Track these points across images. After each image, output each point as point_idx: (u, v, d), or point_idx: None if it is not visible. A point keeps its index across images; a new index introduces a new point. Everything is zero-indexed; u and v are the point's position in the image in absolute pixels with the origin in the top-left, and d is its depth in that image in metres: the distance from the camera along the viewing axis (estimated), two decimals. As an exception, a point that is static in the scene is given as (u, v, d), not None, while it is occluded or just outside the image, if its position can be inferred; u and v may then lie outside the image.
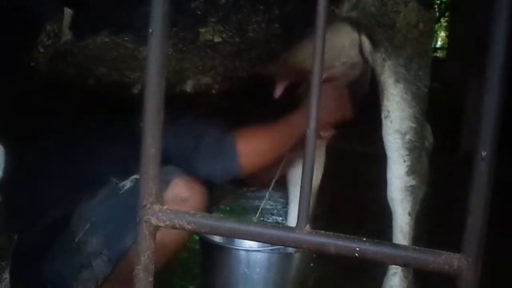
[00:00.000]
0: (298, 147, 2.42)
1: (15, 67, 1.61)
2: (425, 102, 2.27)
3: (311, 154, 0.87)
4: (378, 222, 2.45)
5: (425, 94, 2.26)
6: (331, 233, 0.85)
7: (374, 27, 2.16)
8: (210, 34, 1.85)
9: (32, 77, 1.68)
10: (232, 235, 0.92)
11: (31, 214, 2.22)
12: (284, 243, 0.88)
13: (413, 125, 2.24)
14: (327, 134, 2.50)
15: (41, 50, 1.64)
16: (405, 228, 2.31)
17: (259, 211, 2.87)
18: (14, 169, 1.60)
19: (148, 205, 0.89)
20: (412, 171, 2.27)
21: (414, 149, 2.26)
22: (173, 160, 2.23)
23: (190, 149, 2.26)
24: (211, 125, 2.33)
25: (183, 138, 2.26)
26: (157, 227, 0.90)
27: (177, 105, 1.70)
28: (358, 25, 2.20)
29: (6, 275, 1.70)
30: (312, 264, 2.90)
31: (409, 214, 2.31)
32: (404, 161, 2.27)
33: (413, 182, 2.28)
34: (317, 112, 0.85)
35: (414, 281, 2.32)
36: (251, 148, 2.31)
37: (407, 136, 2.25)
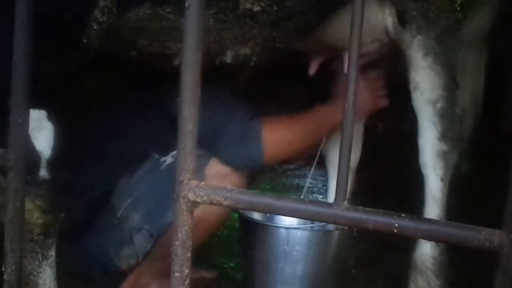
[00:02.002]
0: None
1: (69, 46, 1.61)
2: (454, 69, 2.23)
3: (349, 130, 0.86)
4: (418, 201, 2.42)
5: (455, 62, 2.22)
6: (370, 209, 0.84)
7: (407, 2, 2.13)
8: (249, 2, 1.84)
9: (85, 55, 1.68)
10: (270, 211, 0.91)
11: (74, 192, 2.24)
12: (321, 219, 0.87)
13: (444, 93, 2.21)
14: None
15: (95, 26, 1.64)
16: (438, 194, 2.25)
17: (305, 189, 2.86)
18: (60, 147, 1.61)
19: (186, 181, 0.88)
20: (443, 136, 2.24)
21: (445, 116, 2.23)
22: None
23: (216, 130, 2.23)
24: (240, 109, 2.30)
25: (211, 118, 2.23)
26: (194, 203, 0.89)
27: (209, 83, 1.70)
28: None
29: (52, 252, 1.72)
30: (352, 242, 2.88)
31: (442, 180, 2.25)
32: (435, 127, 2.23)
33: (445, 148, 2.24)
34: (356, 87, 0.84)
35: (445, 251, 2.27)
36: (276, 138, 2.28)
37: (438, 105, 2.21)
